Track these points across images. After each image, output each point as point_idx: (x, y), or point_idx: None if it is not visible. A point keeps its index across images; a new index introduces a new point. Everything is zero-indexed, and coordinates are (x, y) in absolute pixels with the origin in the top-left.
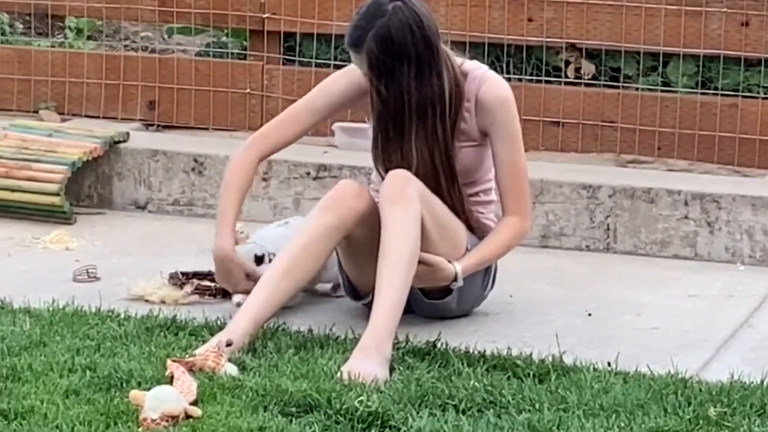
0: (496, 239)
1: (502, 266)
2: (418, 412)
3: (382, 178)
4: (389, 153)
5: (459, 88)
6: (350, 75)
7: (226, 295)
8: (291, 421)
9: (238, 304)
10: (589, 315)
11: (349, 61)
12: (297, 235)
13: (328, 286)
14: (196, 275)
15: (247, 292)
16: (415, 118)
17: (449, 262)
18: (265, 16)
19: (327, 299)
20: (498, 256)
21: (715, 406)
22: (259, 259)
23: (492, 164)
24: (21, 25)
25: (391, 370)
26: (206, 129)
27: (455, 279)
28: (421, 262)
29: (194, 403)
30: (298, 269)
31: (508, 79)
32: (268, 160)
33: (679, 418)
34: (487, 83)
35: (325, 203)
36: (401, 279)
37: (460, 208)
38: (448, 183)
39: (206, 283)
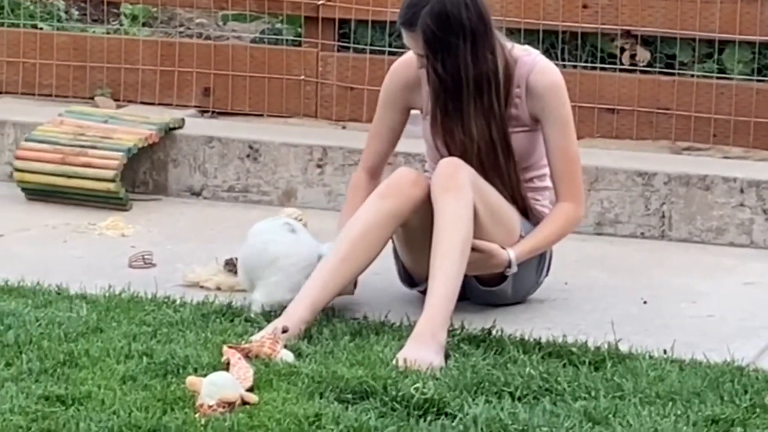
0: (549, 225)
1: (557, 253)
2: (473, 399)
3: (441, 157)
4: (450, 130)
5: (509, 70)
6: (396, 73)
7: None
8: (347, 407)
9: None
10: (645, 302)
11: (403, 47)
12: (354, 222)
13: None
14: None
15: None
16: (472, 93)
17: (503, 248)
18: (320, 2)
19: (382, 286)
20: (552, 242)
21: None
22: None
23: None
24: (77, 12)
25: (447, 357)
26: (261, 116)
27: (509, 266)
28: (474, 249)
29: (250, 390)
30: (355, 256)
31: (563, 66)
32: (322, 147)
33: (735, 406)
34: (536, 69)
35: (383, 191)
36: (455, 266)
37: (516, 187)
38: (505, 158)
39: None
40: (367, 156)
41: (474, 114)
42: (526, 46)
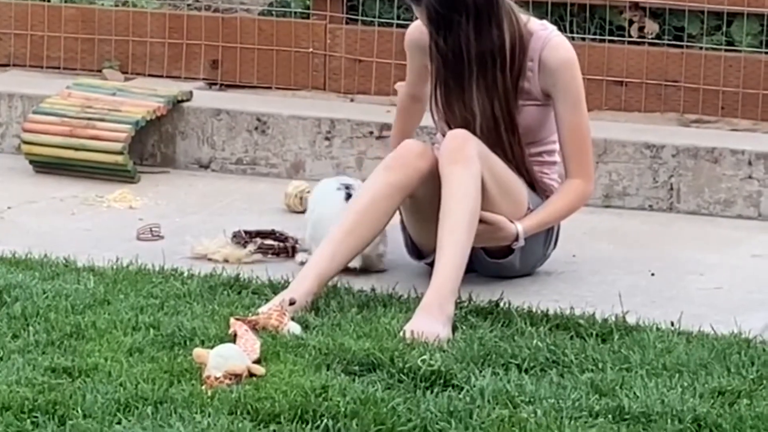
0: (558, 201)
1: (565, 226)
2: (480, 371)
3: (444, 134)
4: (451, 105)
5: (522, 43)
6: (411, 37)
7: (289, 254)
8: (354, 379)
9: (302, 263)
10: (653, 275)
11: (411, 20)
12: (361, 194)
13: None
14: (260, 234)
15: None
16: (475, 69)
17: (511, 221)
18: None
19: (389, 259)
20: (560, 218)
21: None
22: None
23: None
24: None
25: (454, 329)
26: (269, 88)
27: (517, 239)
28: (482, 221)
29: (257, 362)
30: (362, 228)
31: (572, 39)
32: (331, 120)
33: (742, 378)
34: (550, 45)
35: (389, 162)
36: (462, 238)
37: (521, 162)
38: (509, 135)
39: (269, 242)
40: (407, 83)
41: (476, 90)
42: (544, 21)
